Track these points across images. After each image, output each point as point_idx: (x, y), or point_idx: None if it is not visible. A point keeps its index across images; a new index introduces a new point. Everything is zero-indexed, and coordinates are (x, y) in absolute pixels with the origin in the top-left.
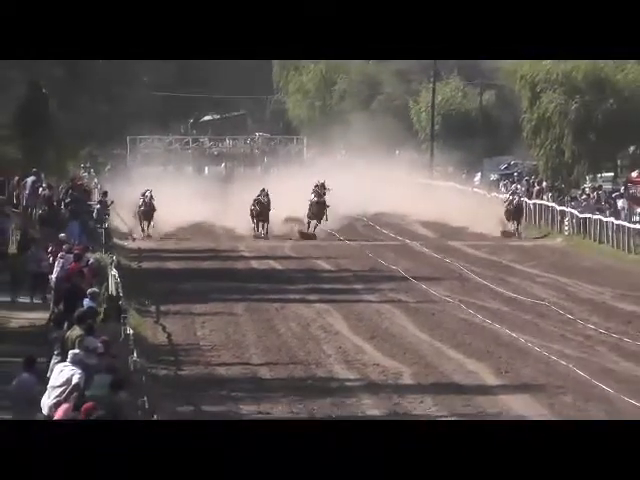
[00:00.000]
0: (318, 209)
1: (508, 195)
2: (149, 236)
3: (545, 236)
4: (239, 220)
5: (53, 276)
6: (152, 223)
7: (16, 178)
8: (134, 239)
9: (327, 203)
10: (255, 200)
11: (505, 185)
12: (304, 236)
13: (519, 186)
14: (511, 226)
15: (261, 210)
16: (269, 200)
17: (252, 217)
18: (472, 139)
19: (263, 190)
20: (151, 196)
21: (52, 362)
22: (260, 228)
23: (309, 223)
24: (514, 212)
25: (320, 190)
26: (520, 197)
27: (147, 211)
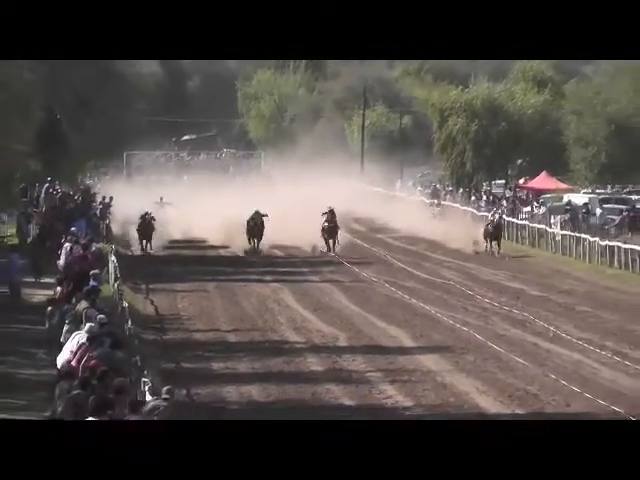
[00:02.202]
0: (331, 231)
1: (489, 215)
2: (148, 253)
3: (524, 257)
4: (210, 215)
5: (60, 262)
6: (151, 242)
7: (37, 185)
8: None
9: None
10: (249, 220)
11: (420, 191)
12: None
13: (500, 209)
14: (487, 246)
15: (254, 228)
16: (262, 221)
17: (247, 234)
18: (394, 154)
19: (257, 212)
20: (151, 219)
21: (64, 329)
22: (252, 243)
23: (327, 242)
24: (492, 232)
25: (329, 216)
26: (501, 217)
27: (146, 232)
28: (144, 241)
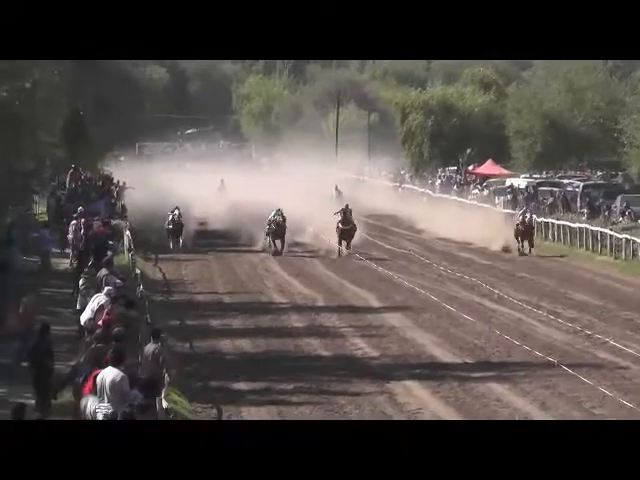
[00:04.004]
0: (346, 233)
1: (519, 214)
2: (178, 251)
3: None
4: (210, 195)
5: (69, 236)
6: (181, 239)
7: (63, 171)
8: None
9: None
10: (271, 220)
11: (384, 175)
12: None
13: (528, 206)
14: (519, 245)
15: (277, 229)
16: (284, 220)
17: (267, 235)
18: (363, 145)
19: (279, 210)
20: (179, 214)
21: (85, 292)
22: (275, 245)
23: (340, 244)
24: (524, 232)
25: (344, 215)
26: (531, 216)
27: (176, 229)
28: (174, 239)
